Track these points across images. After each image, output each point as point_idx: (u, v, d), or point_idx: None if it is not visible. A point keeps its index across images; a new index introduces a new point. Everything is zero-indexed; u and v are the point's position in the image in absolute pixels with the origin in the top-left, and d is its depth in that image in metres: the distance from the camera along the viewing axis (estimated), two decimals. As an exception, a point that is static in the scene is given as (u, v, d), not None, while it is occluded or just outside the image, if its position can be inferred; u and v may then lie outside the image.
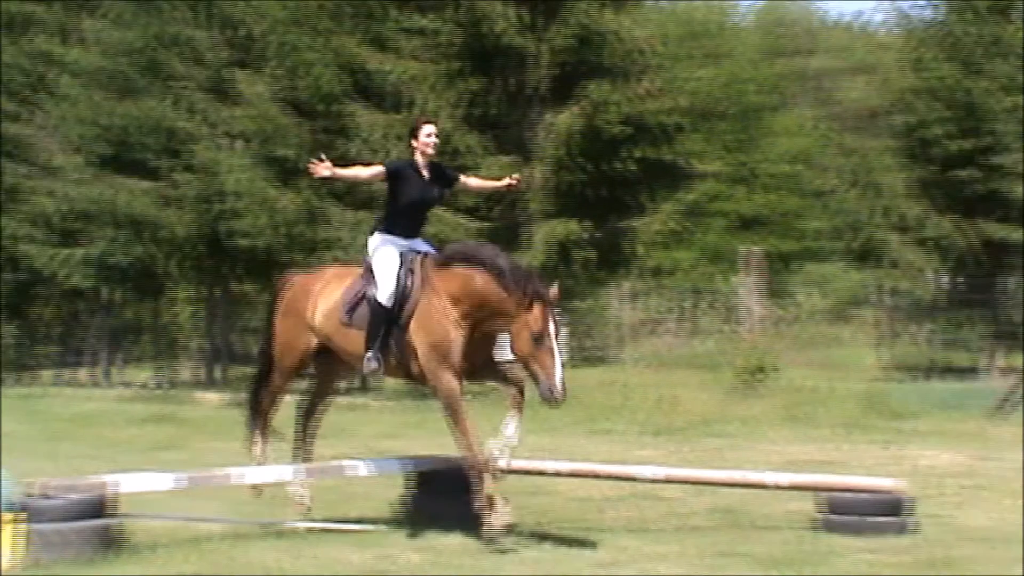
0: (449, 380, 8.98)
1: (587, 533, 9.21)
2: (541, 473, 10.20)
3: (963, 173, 26.72)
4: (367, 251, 9.51)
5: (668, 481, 10.14)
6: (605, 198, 23.77)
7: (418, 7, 24.17)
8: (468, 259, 9.04)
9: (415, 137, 9.54)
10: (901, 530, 9.25)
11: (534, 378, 8.68)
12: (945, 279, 27.54)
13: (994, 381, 22.60)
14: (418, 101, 23.23)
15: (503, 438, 8.92)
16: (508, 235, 22.96)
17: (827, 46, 51.03)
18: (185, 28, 27.43)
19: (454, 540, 8.89)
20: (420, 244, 9.52)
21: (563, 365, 8.69)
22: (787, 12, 53.90)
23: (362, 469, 9.88)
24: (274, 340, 9.98)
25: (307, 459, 10.07)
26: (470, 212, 23.09)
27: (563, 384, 8.58)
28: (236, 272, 28.86)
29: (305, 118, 24.95)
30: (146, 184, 26.92)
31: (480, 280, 8.90)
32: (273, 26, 25.30)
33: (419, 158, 9.48)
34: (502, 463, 8.88)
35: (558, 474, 10.30)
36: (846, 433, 16.23)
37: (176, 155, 26.53)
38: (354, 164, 10.23)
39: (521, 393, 8.97)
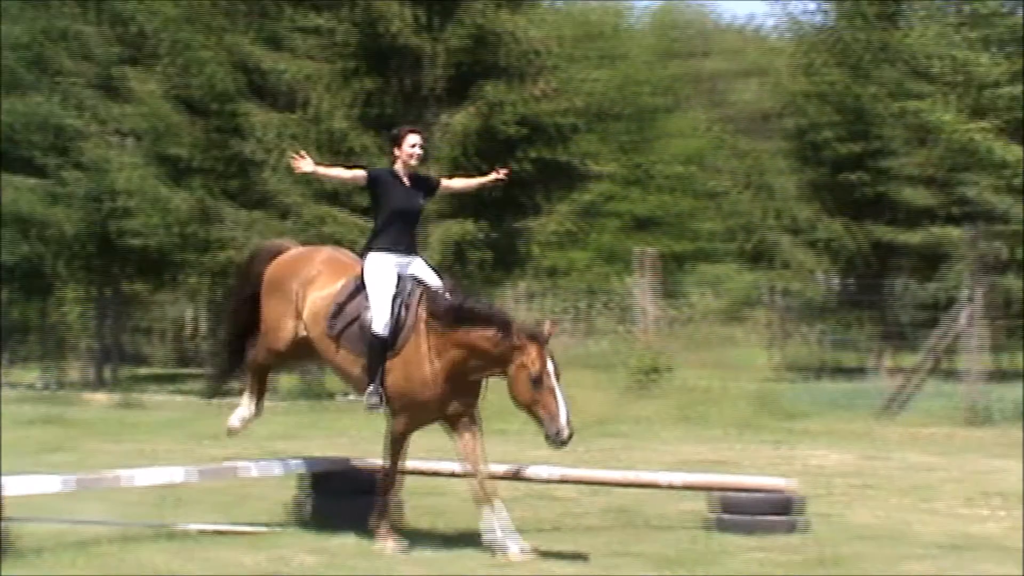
0: (403, 426, 8.86)
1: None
2: (436, 474, 10.16)
3: (852, 176, 27.17)
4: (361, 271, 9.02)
5: (563, 481, 10.16)
6: (501, 198, 23.76)
7: (313, 6, 24.02)
8: (458, 317, 8.61)
9: (398, 146, 9.14)
10: (791, 529, 9.35)
11: (538, 422, 8.37)
12: (835, 280, 27.97)
13: (882, 381, 22.99)
14: (313, 100, 23.09)
15: (493, 541, 8.52)
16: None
17: (721, 49, 51.56)
18: (74, 23, 27.03)
19: (349, 541, 8.84)
20: (419, 264, 9.09)
21: (566, 403, 8.36)
22: (681, 15, 54.35)
23: (255, 470, 9.78)
24: (262, 317, 9.42)
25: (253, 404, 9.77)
26: (367, 212, 22.96)
27: (569, 424, 8.28)
28: (127, 271, 28.51)
29: (198, 116, 24.70)
30: (33, 181, 26.45)
31: (472, 335, 8.55)
32: (165, 23, 25.02)
33: (400, 167, 9.12)
34: (515, 550, 8.42)
35: (453, 475, 10.27)
36: (738, 433, 16.40)
37: (64, 152, 26.14)
38: (333, 165, 9.70)
39: (485, 484, 8.69)
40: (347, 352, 8.94)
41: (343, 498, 9.54)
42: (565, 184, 24.86)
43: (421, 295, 8.82)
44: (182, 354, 34.44)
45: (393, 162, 9.17)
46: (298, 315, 9.17)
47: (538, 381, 8.34)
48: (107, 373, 27.81)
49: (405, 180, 9.10)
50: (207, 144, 24.51)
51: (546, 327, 8.55)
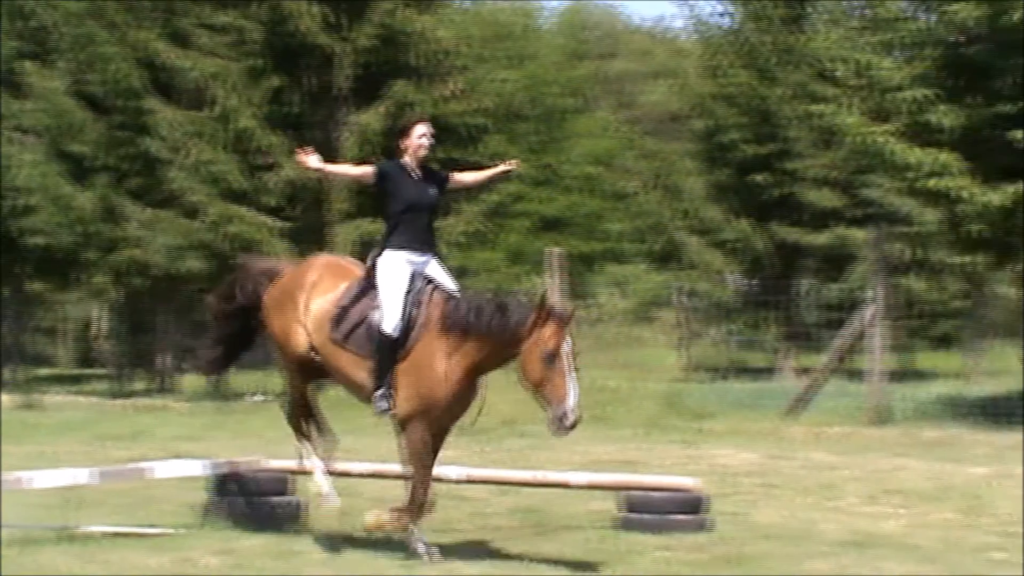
0: (420, 433, 8.40)
1: (390, 534, 9.18)
2: (346, 474, 10.11)
3: (759, 178, 27.44)
4: (371, 268, 8.65)
5: (471, 482, 10.16)
6: (410, 199, 23.73)
7: (220, 4, 23.84)
8: (473, 326, 8.26)
9: (406, 137, 8.79)
10: (698, 528, 9.42)
11: (544, 404, 8.05)
12: (742, 281, 28.24)
13: (787, 381, 23.25)
14: (220, 99, 22.90)
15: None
16: (312, 235, 22.78)
17: (629, 50, 51.89)
18: (-29, 18, 26.58)
19: (255, 542, 8.77)
20: (434, 265, 8.69)
21: (576, 388, 7.99)
22: (590, 16, 54.62)
23: (160, 472, 9.67)
24: (271, 339, 9.10)
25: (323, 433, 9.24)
26: (274, 212, 22.84)
27: (576, 409, 7.92)
28: (28, 271, 28.08)
29: (102, 113, 24.39)
30: (-72, 178, 25.98)
31: (488, 335, 8.22)
32: (67, 17, 24.67)
33: (409, 160, 8.76)
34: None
35: (362, 475, 10.24)
36: (646, 433, 16.51)
37: (-38, 148, 25.69)
38: (338, 161, 9.33)
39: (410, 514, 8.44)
40: (352, 355, 8.54)
41: (250, 499, 9.47)
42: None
43: (433, 293, 8.46)
44: (86, 354, 34.00)
45: (400, 155, 8.80)
46: (302, 324, 8.80)
47: (551, 360, 7.98)
48: (8, 374, 27.36)
49: (415, 173, 8.75)
50: (111, 142, 24.20)
51: (567, 309, 8.30)
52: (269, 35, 23.29)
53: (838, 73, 20.90)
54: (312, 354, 8.78)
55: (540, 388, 8.03)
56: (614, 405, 18.39)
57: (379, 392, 8.40)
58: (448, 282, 8.65)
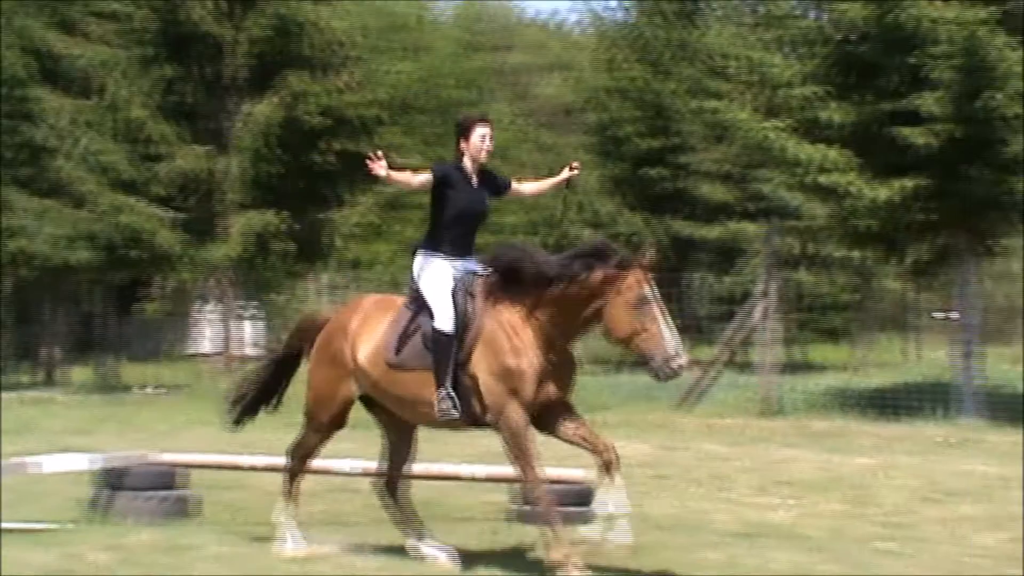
0: (517, 413, 7.78)
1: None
2: (236, 467, 10.01)
3: (653, 172, 27.66)
4: (411, 274, 8.22)
5: (365, 474, 10.10)
6: (304, 190, 23.58)
7: (110, -10, 23.49)
8: (523, 274, 7.79)
9: (465, 138, 8.20)
10: (591, 520, 9.45)
11: (644, 356, 7.53)
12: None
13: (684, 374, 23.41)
14: (110, 87, 22.56)
15: (603, 517, 7.79)
16: (203, 226, 22.54)
17: (524, 43, 51.95)
18: None
19: (144, 538, 8.64)
20: (473, 266, 8.14)
21: (673, 329, 7.52)
22: (486, 8, 54.58)
23: (47, 466, 9.50)
24: (310, 390, 8.55)
25: (420, 536, 8.41)
26: (164, 202, 22.55)
27: (681, 350, 7.47)
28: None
29: (-14, 102, 23.92)
30: None
31: (554, 291, 7.72)
32: (-53, 3, 24.17)
33: (467, 163, 8.19)
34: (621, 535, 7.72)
35: (254, 468, 10.14)
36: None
37: None
38: (402, 169, 8.38)
39: (612, 454, 7.83)
40: (414, 373, 7.95)
41: (139, 494, 9.34)
42: (368, 176, 24.74)
43: (484, 279, 7.96)
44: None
45: (459, 156, 8.23)
46: (352, 372, 8.27)
47: (641, 307, 7.48)
48: None
49: (473, 178, 8.20)
50: (-4, 129, 23.76)
51: (648, 254, 7.67)
52: (161, 23, 22.98)
53: (730, 69, 21.12)
54: (344, 415, 8.45)
55: (635, 339, 7.52)
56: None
57: (440, 394, 7.81)
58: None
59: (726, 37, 23.19)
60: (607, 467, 7.80)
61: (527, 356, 7.71)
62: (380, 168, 8.23)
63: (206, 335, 27.45)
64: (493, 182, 8.36)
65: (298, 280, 25.91)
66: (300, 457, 8.69)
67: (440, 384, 7.81)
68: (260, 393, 9.03)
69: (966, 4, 17.04)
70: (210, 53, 22.94)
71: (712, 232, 26.94)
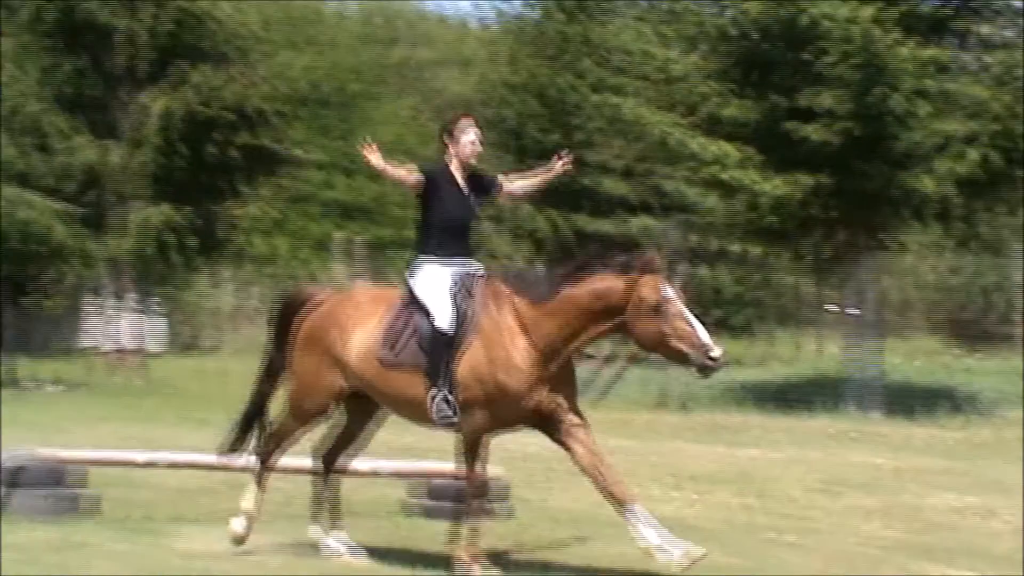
0: (483, 420, 7.60)
1: (180, 524, 9.02)
2: (131, 464, 9.89)
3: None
4: (407, 280, 7.91)
5: (267, 470, 10.02)
6: (203, 183, 23.34)
7: (1, -22, 23.08)
8: (551, 284, 7.55)
9: (452, 139, 7.88)
10: (493, 514, 9.46)
11: (680, 358, 7.27)
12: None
13: (586, 368, 23.53)
14: (3, 78, 22.15)
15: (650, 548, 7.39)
16: (97, 219, 22.23)
17: (429, 38, 51.83)
18: None
19: (40, 535, 8.50)
20: (474, 267, 7.87)
21: (701, 324, 7.26)
22: (388, 3, 54.40)
23: (-61, 465, 9.32)
24: (294, 378, 8.22)
25: (332, 526, 8.31)
26: (54, 193, 22.17)
27: (715, 342, 7.20)
28: None
29: None
30: None
31: (574, 296, 7.40)
32: None
33: (455, 166, 7.86)
34: (678, 554, 7.34)
35: (152, 465, 10.02)
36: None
37: None
38: (389, 164, 7.87)
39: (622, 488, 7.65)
40: (406, 373, 7.69)
41: (35, 491, 9.19)
42: (269, 170, 24.58)
43: (486, 280, 7.72)
44: None
45: (446, 158, 7.90)
46: (341, 365, 7.95)
47: (661, 310, 7.21)
48: None
49: (461, 182, 7.86)
50: None
51: (655, 257, 7.46)
52: (56, 13, 22.61)
53: (632, 65, 21.25)
54: (355, 388, 8.00)
55: (666, 343, 7.26)
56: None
57: (435, 394, 7.58)
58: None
59: (628, 33, 23.30)
60: (620, 503, 7.62)
61: (522, 370, 7.45)
62: (375, 158, 7.87)
63: (102, 330, 27.07)
64: (482, 184, 7.99)
65: (197, 274, 25.69)
66: (275, 444, 8.40)
67: (435, 386, 7.59)
68: (253, 407, 8.65)
69: (862, 3, 17.30)
70: (108, 44, 22.61)
71: (614, 227, 27.08)
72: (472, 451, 7.75)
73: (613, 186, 27.35)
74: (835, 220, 18.39)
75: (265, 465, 8.45)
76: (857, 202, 17.82)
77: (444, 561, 8.00)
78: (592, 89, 26.82)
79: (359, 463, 10.17)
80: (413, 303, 7.78)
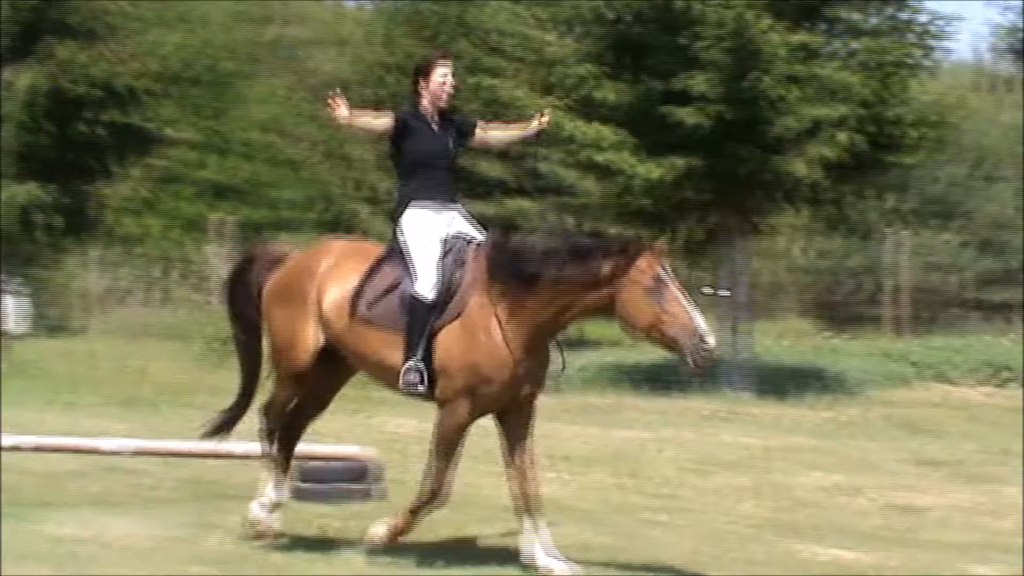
0: (464, 412, 7.34)
1: (48, 509, 8.83)
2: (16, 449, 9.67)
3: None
4: (395, 233, 7.59)
5: (137, 454, 9.90)
6: (71, 162, 22.84)
7: None
8: (536, 273, 7.16)
9: (424, 78, 7.61)
10: (368, 496, 9.44)
11: (671, 344, 6.96)
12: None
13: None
14: None
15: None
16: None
17: (300, 16, 51.32)
18: None
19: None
20: (461, 219, 7.58)
21: (698, 310, 6.95)
22: (262, -19, 53.74)
23: None
24: (269, 337, 7.84)
25: (278, 490, 8.01)
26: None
27: (711, 330, 6.93)
28: None
29: None
30: None
31: (561, 284, 7.11)
32: None
33: (427, 106, 7.61)
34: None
35: (17, 448, 9.81)
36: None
37: None
38: (354, 112, 7.68)
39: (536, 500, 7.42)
40: (381, 332, 7.34)
41: None
42: (139, 149, 24.12)
43: (478, 248, 7.38)
44: None
45: (417, 100, 7.65)
46: (317, 317, 7.58)
47: (658, 290, 6.89)
48: None
49: (434, 121, 7.61)
50: None
51: (658, 243, 7.18)
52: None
53: (507, 47, 21.25)
54: (330, 347, 7.63)
55: (658, 327, 6.93)
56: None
57: (408, 364, 7.23)
58: (479, 235, 7.59)
59: (504, 15, 23.30)
60: (528, 509, 7.46)
61: (502, 361, 7.16)
62: (341, 109, 7.64)
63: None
64: (456, 125, 7.74)
65: (65, 255, 25.19)
66: (274, 417, 8.02)
67: (410, 354, 7.24)
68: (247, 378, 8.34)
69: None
70: (-31, 19, 22.03)
71: (490, 209, 27.07)
72: (451, 448, 7.47)
73: (489, 168, 27.32)
74: (708, 203, 18.58)
75: (275, 445, 8.04)
76: (730, 185, 18.02)
77: (318, 543, 7.95)
78: (468, 71, 26.75)
79: (233, 445, 10.08)
80: (398, 258, 7.48)
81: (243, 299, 8.21)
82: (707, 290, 16.33)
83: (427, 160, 7.58)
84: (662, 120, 17.58)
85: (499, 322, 7.17)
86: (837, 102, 17.68)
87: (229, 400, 8.45)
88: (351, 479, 9.51)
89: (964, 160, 29.16)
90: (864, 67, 18.04)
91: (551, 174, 23.07)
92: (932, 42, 18.54)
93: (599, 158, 17.90)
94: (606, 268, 7.03)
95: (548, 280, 7.13)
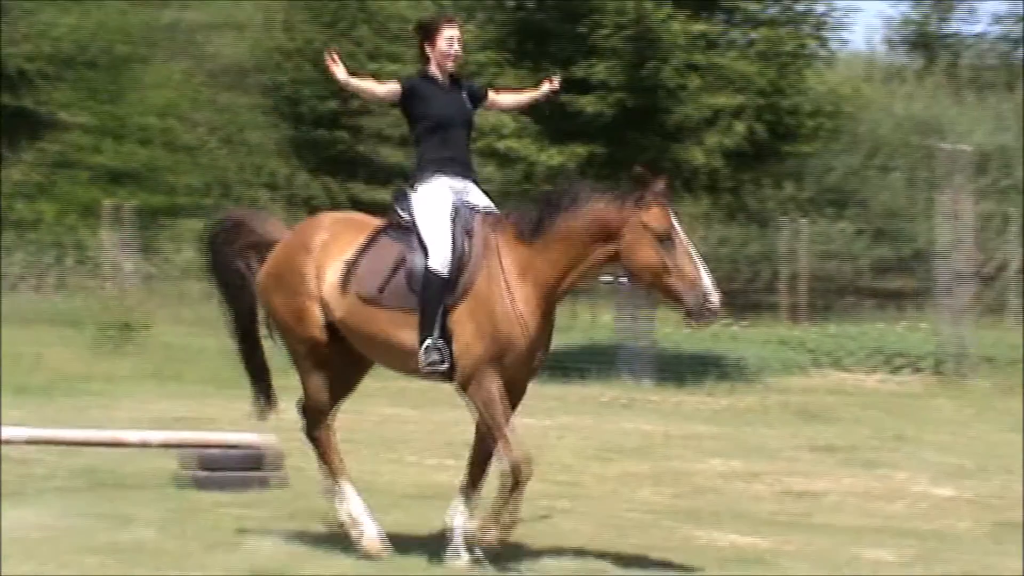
0: (494, 383, 6.93)
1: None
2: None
3: (330, 134, 27.49)
4: (401, 203, 7.28)
5: (30, 442, 9.72)
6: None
7: None
8: (542, 225, 6.95)
9: (430, 42, 7.38)
10: (267, 484, 9.37)
11: (675, 298, 6.79)
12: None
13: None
14: None
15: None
16: None
17: (199, 0, 50.74)
18: None
19: None
20: (476, 191, 7.35)
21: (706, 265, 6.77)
22: (158, -37, 53.05)
23: None
24: (275, 324, 7.53)
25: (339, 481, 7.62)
26: None
27: (716, 288, 6.73)
28: None
29: None
30: None
31: (565, 232, 6.89)
32: None
33: (435, 70, 7.40)
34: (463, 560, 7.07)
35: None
36: (216, 390, 16.24)
37: None
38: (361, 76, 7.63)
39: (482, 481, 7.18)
40: (391, 312, 7.03)
41: None
42: (31, 133, 23.78)
43: (485, 218, 7.14)
44: None
45: (424, 63, 7.43)
46: (318, 294, 7.25)
47: (667, 242, 6.72)
48: None
49: (444, 83, 7.40)
50: None
51: (661, 182, 6.94)
52: None
53: (406, 32, 21.17)
54: (335, 328, 7.29)
55: (664, 279, 6.77)
56: (183, 362, 17.99)
57: (428, 343, 6.91)
58: (492, 208, 7.35)
59: (403, 1, 23.23)
60: (471, 486, 7.36)
61: (523, 322, 6.90)
62: (339, 72, 7.48)
63: None
64: (468, 88, 7.58)
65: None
66: (316, 411, 7.59)
67: (427, 333, 6.93)
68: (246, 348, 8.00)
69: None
70: None
71: (389, 195, 27.03)
72: (497, 416, 6.99)
73: (390, 154, 27.24)
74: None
75: (321, 442, 7.61)
76: (631, 173, 18.10)
77: (213, 532, 7.88)
78: (369, 56, 26.66)
79: (128, 434, 9.96)
80: (401, 231, 7.20)
81: (228, 256, 7.81)
82: (607, 278, 16.39)
83: (445, 122, 7.34)
84: (563, 108, 17.61)
85: (513, 285, 6.93)
86: (735, 91, 17.84)
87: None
88: (249, 467, 9.43)
89: (859, 150, 29.58)
90: (762, 57, 18.22)
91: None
92: (828, 33, 18.79)
93: (500, 145, 17.89)
94: (613, 221, 6.88)
95: (558, 235, 6.94)
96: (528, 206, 7.25)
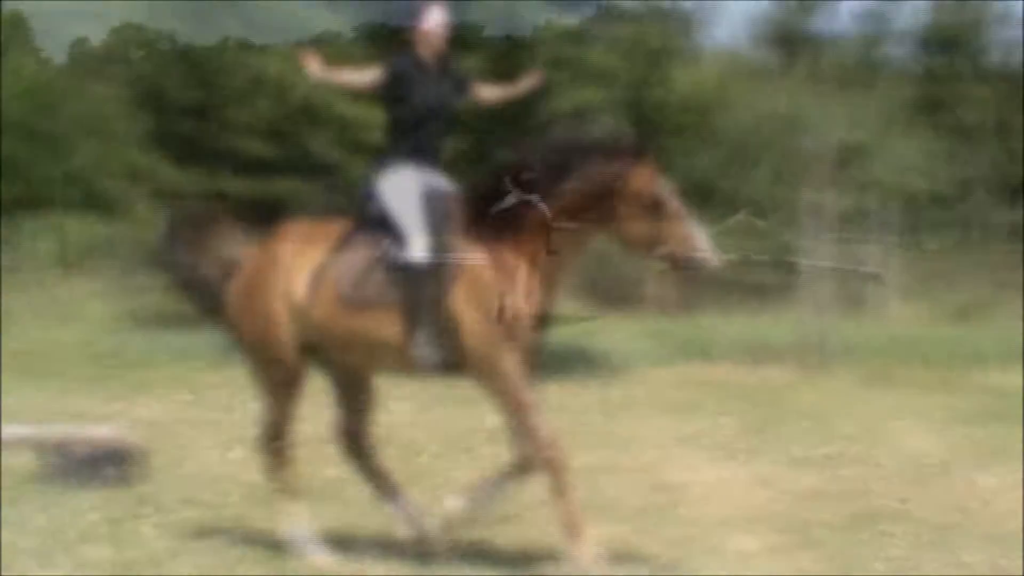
0: (512, 362, 6.63)
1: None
2: None
3: (194, 125, 27.12)
4: (366, 193, 6.92)
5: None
6: None
7: None
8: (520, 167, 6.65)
9: (416, 20, 7.07)
10: (126, 479, 9.26)
11: (671, 261, 6.63)
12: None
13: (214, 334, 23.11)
14: None
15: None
16: None
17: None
18: None
19: None
20: (441, 183, 6.96)
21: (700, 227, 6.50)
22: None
23: None
24: (243, 344, 7.08)
25: (396, 497, 7.43)
26: None
27: (711, 247, 6.47)
28: None
29: None
30: None
31: (554, 200, 6.55)
32: None
33: (422, 52, 7.03)
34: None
35: None
36: (77, 385, 15.95)
37: None
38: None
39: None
40: (375, 311, 6.67)
41: None
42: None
43: (459, 198, 6.79)
44: None
45: (412, 45, 7.07)
46: (292, 314, 6.82)
47: (656, 206, 6.48)
48: None
49: (432, 68, 7.03)
50: None
51: (635, 139, 6.68)
52: None
53: (276, 24, 21.01)
54: (312, 342, 6.89)
55: (657, 245, 6.55)
56: (42, 357, 17.68)
57: (419, 339, 6.60)
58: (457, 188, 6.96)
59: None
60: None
61: (525, 295, 6.62)
62: (314, 66, 7.10)
63: None
64: (456, 76, 7.24)
65: None
66: (276, 440, 7.19)
67: (415, 325, 6.60)
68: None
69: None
70: None
71: (257, 189, 26.70)
72: (522, 404, 6.74)
73: (257, 147, 26.94)
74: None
75: (281, 471, 7.27)
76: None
77: (78, 528, 7.74)
78: (238, 47, 26.37)
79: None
80: (372, 227, 6.86)
81: (189, 257, 7.43)
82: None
83: (426, 113, 7.02)
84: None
85: (506, 254, 6.65)
86: (602, 86, 17.96)
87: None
88: (109, 462, 9.28)
89: (724, 146, 29.96)
90: (628, 52, 18.38)
91: (320, 153, 22.88)
92: (694, 29, 19.04)
93: (367, 138, 17.83)
94: (600, 184, 6.56)
95: (542, 202, 6.64)
96: (497, 182, 6.81)
